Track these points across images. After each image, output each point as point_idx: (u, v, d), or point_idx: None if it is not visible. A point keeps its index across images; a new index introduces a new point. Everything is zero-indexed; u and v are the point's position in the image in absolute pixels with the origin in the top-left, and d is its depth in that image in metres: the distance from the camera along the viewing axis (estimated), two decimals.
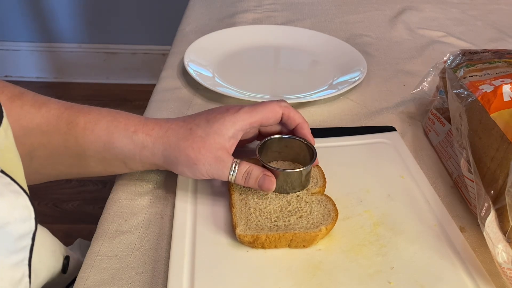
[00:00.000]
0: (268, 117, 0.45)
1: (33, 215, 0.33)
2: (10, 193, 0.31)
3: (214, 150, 0.42)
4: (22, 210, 0.33)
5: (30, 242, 0.34)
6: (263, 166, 0.44)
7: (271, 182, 0.43)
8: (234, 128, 0.43)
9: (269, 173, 0.43)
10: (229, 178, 0.43)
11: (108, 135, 0.43)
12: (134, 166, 0.45)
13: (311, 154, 0.46)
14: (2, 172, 0.31)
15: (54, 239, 0.46)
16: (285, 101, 0.46)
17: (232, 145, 0.44)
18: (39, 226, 0.42)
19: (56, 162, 0.45)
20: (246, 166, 0.43)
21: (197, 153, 0.42)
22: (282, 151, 0.49)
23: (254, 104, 0.45)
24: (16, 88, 0.45)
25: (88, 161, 0.45)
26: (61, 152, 0.44)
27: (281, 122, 0.47)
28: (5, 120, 0.34)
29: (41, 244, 0.42)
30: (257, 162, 0.45)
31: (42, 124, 0.43)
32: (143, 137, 0.43)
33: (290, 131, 0.48)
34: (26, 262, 0.34)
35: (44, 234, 0.44)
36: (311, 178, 0.47)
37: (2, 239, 0.31)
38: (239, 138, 0.44)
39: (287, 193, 0.45)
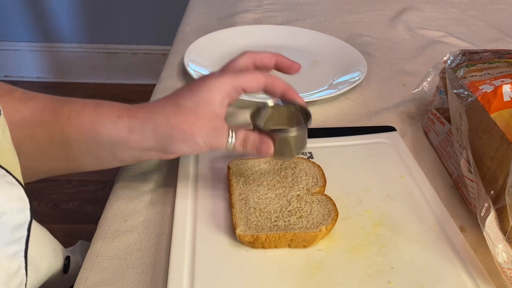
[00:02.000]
0: (251, 83, 0.43)
1: (28, 206, 0.34)
2: (5, 184, 0.32)
3: (208, 119, 0.41)
4: (18, 201, 0.33)
5: (25, 233, 0.34)
6: (259, 131, 0.43)
7: (269, 147, 0.42)
8: (220, 92, 0.42)
9: (266, 138, 0.43)
10: (227, 146, 0.42)
11: (92, 123, 0.42)
12: (123, 155, 0.43)
13: (305, 117, 0.45)
14: None
15: (54, 239, 0.46)
16: (267, 72, 0.45)
17: (223, 112, 0.43)
18: (38, 225, 0.43)
19: (43, 156, 0.44)
20: (243, 133, 0.42)
21: (191, 126, 0.41)
22: (275, 117, 0.47)
23: (236, 71, 0.44)
24: (6, 86, 0.45)
25: (74, 153, 0.43)
26: (46, 145, 0.43)
27: (267, 92, 0.46)
28: (2, 118, 0.34)
29: (41, 241, 0.43)
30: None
31: (27, 117, 0.43)
32: (128, 121, 0.42)
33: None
34: (22, 254, 0.34)
35: (43, 233, 0.44)
36: (309, 176, 0.47)
37: None
38: (226, 103, 0.43)
39: (286, 156, 0.44)
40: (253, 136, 0.43)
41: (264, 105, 0.46)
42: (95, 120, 0.42)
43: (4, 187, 0.32)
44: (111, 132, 0.42)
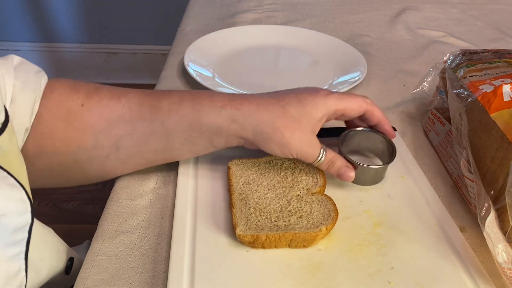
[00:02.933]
0: (353, 108, 0.45)
1: (29, 209, 0.34)
2: (6, 186, 0.32)
3: (307, 132, 0.43)
4: (18, 203, 0.33)
5: (26, 235, 0.34)
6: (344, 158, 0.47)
7: (350, 175, 0.46)
8: (323, 112, 0.44)
9: (350, 166, 0.46)
10: (315, 162, 0.45)
11: (193, 113, 0.44)
12: (219, 142, 0.45)
13: (390, 150, 0.49)
14: (0, 167, 0.31)
15: (59, 240, 0.46)
16: (369, 98, 0.47)
17: (318, 129, 0.45)
18: (43, 225, 0.43)
19: (143, 150, 0.45)
20: (332, 154, 0.45)
21: (291, 134, 0.43)
22: (362, 143, 0.51)
23: (341, 93, 0.46)
24: (90, 84, 0.47)
25: (174, 143, 0.45)
26: (147, 138, 0.44)
27: (362, 118, 0.48)
28: (9, 125, 0.35)
29: (43, 242, 0.43)
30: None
31: (124, 114, 0.44)
32: (232, 111, 0.43)
33: (369, 126, 0.50)
34: (23, 256, 0.34)
35: (48, 234, 0.44)
36: (309, 176, 0.47)
37: None
38: (323, 122, 0.45)
39: (362, 184, 0.48)
40: (340, 161, 0.46)
41: (353, 130, 0.50)
42: (197, 110, 0.44)
43: (4, 189, 0.32)
44: (214, 121, 0.43)
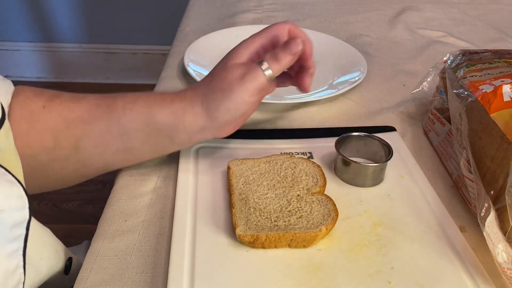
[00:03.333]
0: (275, 32, 0.46)
1: (27, 205, 0.34)
2: (4, 182, 0.32)
3: (236, 69, 0.44)
4: (17, 199, 0.33)
5: (24, 231, 0.34)
6: (343, 160, 0.48)
7: (296, 43, 0.44)
8: (247, 48, 0.45)
9: (289, 39, 0.45)
10: (269, 77, 0.44)
11: (147, 111, 0.44)
12: (180, 139, 0.46)
13: (387, 153, 0.49)
14: None
15: (57, 240, 0.46)
16: (292, 22, 0.48)
17: (252, 66, 0.44)
18: (41, 225, 0.43)
19: (102, 150, 0.46)
20: (268, 54, 0.45)
21: (225, 80, 0.44)
22: (360, 149, 0.52)
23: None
24: (53, 90, 0.48)
25: (132, 143, 0.45)
26: (105, 138, 0.45)
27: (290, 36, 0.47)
28: (6, 122, 0.35)
29: (42, 242, 0.43)
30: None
31: (83, 114, 0.45)
32: (179, 103, 0.44)
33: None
34: (21, 252, 0.34)
35: (46, 234, 0.44)
36: (309, 176, 0.47)
37: None
38: (254, 59, 0.46)
39: (359, 185, 0.48)
40: (277, 48, 0.45)
41: (349, 135, 0.51)
42: (150, 107, 0.45)
43: (3, 186, 0.32)
44: (167, 117, 0.44)
